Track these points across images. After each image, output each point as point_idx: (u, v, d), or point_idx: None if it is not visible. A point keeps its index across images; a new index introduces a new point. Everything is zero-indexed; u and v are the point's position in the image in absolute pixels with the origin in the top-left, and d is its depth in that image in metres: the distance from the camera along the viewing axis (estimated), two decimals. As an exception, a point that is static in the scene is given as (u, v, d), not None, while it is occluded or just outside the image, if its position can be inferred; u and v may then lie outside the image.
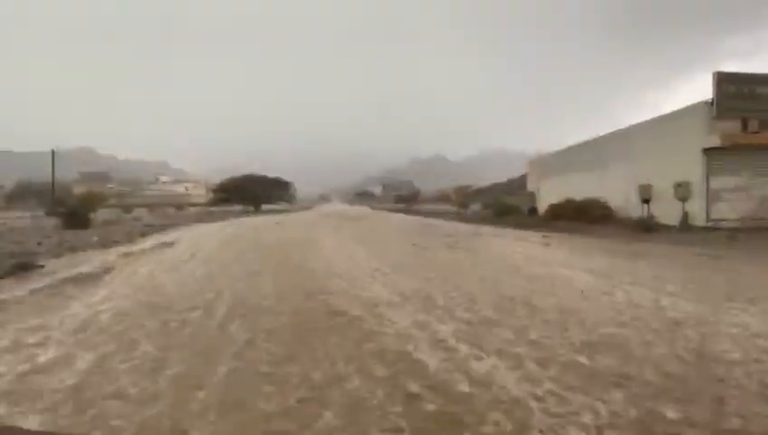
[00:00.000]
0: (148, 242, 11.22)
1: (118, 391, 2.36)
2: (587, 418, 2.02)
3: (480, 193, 74.23)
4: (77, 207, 16.25)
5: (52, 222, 16.41)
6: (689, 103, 14.21)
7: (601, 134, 19.40)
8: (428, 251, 8.33)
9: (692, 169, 13.35)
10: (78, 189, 48.61)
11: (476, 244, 9.71)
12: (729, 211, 13.18)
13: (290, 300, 4.55)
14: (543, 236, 11.57)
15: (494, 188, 71.80)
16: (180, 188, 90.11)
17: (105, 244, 10.31)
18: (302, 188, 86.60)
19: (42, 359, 2.86)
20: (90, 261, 7.44)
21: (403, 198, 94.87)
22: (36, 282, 5.55)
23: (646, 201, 15.12)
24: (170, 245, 10.10)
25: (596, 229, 13.57)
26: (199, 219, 24.34)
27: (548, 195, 22.48)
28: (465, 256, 7.45)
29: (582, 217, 16.23)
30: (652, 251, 8.45)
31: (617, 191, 17.07)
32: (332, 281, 5.51)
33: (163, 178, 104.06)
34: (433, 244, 9.69)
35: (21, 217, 23.86)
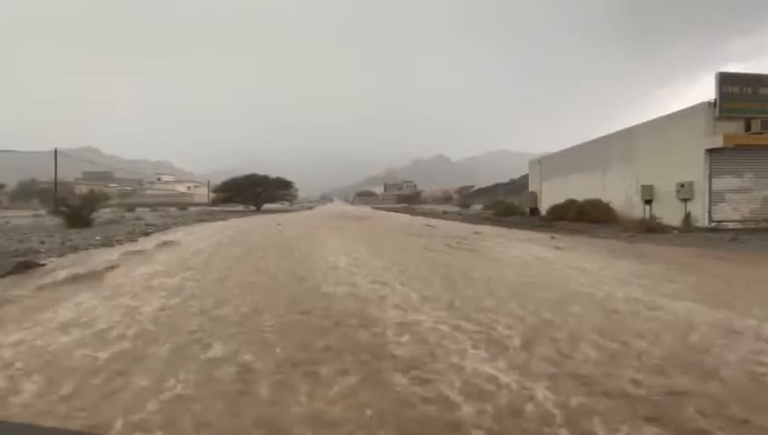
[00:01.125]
0: (144, 244, 11.24)
1: None
2: None
3: (482, 193, 74.32)
4: (79, 207, 16.28)
5: (55, 221, 16.47)
6: (691, 104, 14.18)
7: (603, 135, 19.35)
8: (446, 256, 7.67)
9: (694, 170, 13.31)
10: (81, 189, 48.77)
11: (494, 249, 8.90)
12: (732, 212, 13.13)
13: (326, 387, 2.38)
14: (552, 238, 11.40)
15: (496, 189, 71.80)
16: (182, 188, 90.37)
17: (106, 243, 10.35)
18: (303, 188, 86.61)
19: None
20: (90, 260, 7.48)
21: (405, 197, 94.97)
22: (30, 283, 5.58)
23: (648, 202, 15.10)
24: (158, 252, 10.04)
25: (599, 230, 13.53)
26: (201, 219, 24.40)
27: (550, 195, 22.44)
28: (500, 270, 6.33)
29: (584, 217, 16.21)
30: (684, 257, 7.79)
31: (619, 192, 17.03)
32: (376, 328, 3.44)
33: (165, 178, 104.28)
34: (448, 249, 8.97)
35: (23, 217, 23.98)
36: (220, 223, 21.51)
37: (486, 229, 15.08)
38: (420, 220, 22.55)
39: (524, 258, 7.56)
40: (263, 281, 5.61)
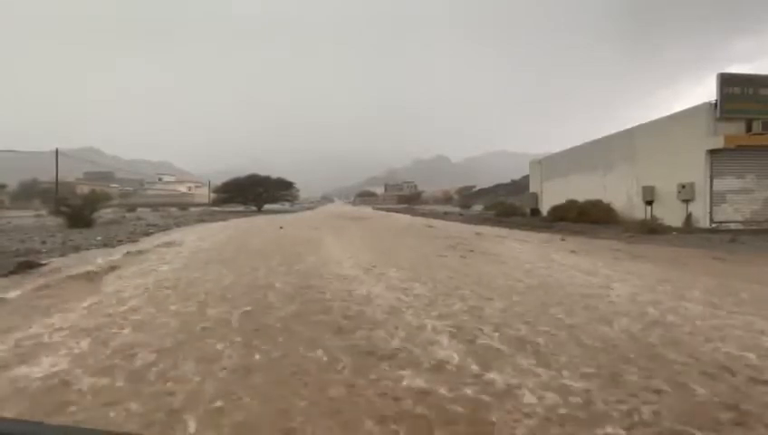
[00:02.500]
0: (145, 245, 11.25)
1: None
2: None
3: (482, 194, 74.21)
4: (81, 207, 16.31)
5: (57, 221, 16.50)
6: (693, 105, 14.18)
7: (604, 135, 19.35)
8: (471, 264, 6.88)
9: (696, 171, 13.31)
10: (82, 189, 48.86)
11: (513, 255, 8.02)
12: (733, 213, 13.13)
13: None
14: (561, 240, 11.11)
15: (497, 189, 71.70)
16: (183, 188, 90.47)
17: (108, 243, 10.36)
18: (304, 188, 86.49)
19: None
20: (91, 260, 7.49)
21: (405, 198, 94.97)
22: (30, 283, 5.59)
23: (649, 203, 15.10)
24: (153, 255, 10.01)
25: (600, 231, 13.51)
26: (201, 220, 24.41)
27: (551, 196, 22.44)
28: (543, 289, 4.99)
29: (585, 218, 16.21)
30: (702, 260, 7.51)
31: (620, 193, 17.03)
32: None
33: (166, 178, 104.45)
34: (466, 254, 8.12)
35: (24, 217, 24.03)
36: (220, 223, 21.52)
37: (492, 231, 14.85)
38: (424, 221, 22.48)
39: (559, 275, 5.98)
40: (259, 308, 3.89)
